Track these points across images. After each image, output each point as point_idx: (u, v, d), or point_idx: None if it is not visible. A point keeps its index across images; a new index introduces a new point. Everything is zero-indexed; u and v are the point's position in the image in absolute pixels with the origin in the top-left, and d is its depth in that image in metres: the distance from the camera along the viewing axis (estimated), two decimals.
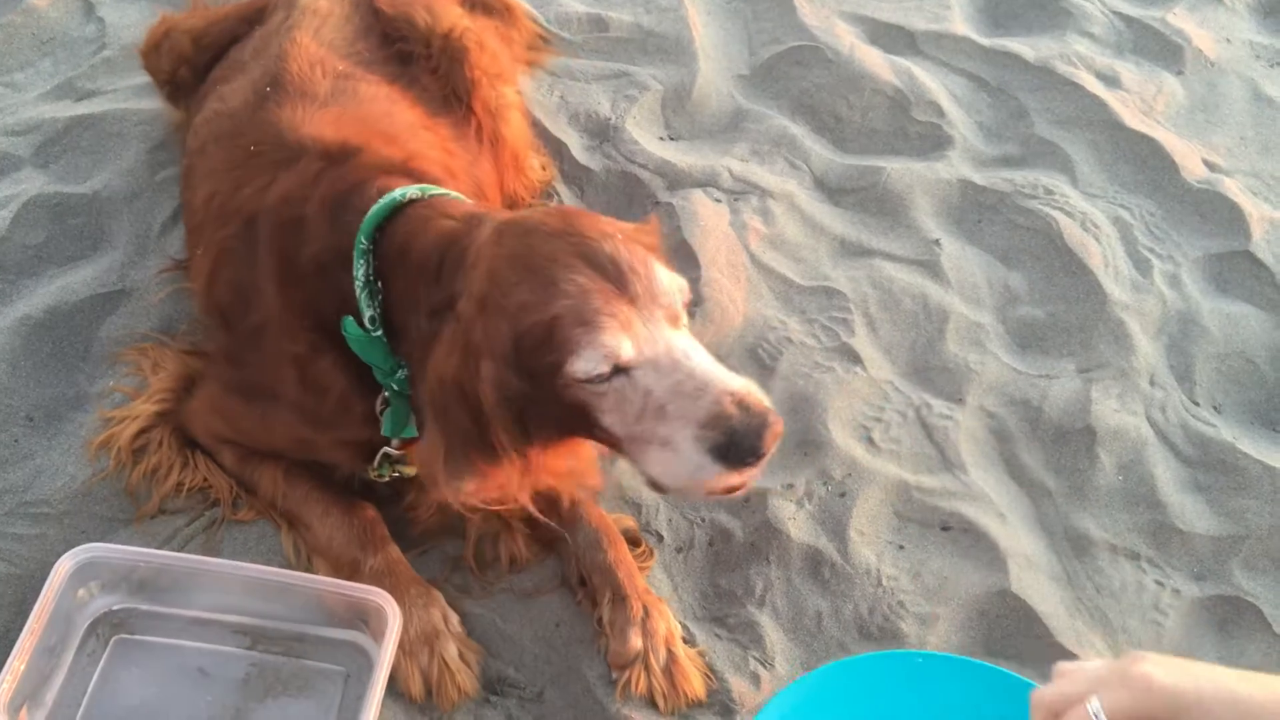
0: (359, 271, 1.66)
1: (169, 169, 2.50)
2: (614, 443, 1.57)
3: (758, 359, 2.32)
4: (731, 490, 1.52)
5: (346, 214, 1.72)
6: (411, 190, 1.71)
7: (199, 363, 2.07)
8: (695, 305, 2.37)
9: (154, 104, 2.62)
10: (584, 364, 1.45)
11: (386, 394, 1.73)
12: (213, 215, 1.95)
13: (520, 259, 1.49)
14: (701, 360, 1.49)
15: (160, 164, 2.52)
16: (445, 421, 1.55)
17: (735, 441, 1.45)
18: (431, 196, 1.72)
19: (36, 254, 2.34)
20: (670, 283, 1.51)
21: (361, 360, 1.71)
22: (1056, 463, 2.21)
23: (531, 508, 1.69)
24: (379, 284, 1.67)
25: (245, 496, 1.97)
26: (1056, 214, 2.64)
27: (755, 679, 1.83)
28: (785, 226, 2.60)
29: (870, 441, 2.20)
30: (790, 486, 2.09)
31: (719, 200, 2.63)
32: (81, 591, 1.75)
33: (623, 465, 2.07)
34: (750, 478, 1.52)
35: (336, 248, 1.71)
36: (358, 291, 1.66)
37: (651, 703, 1.77)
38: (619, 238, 1.51)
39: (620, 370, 1.47)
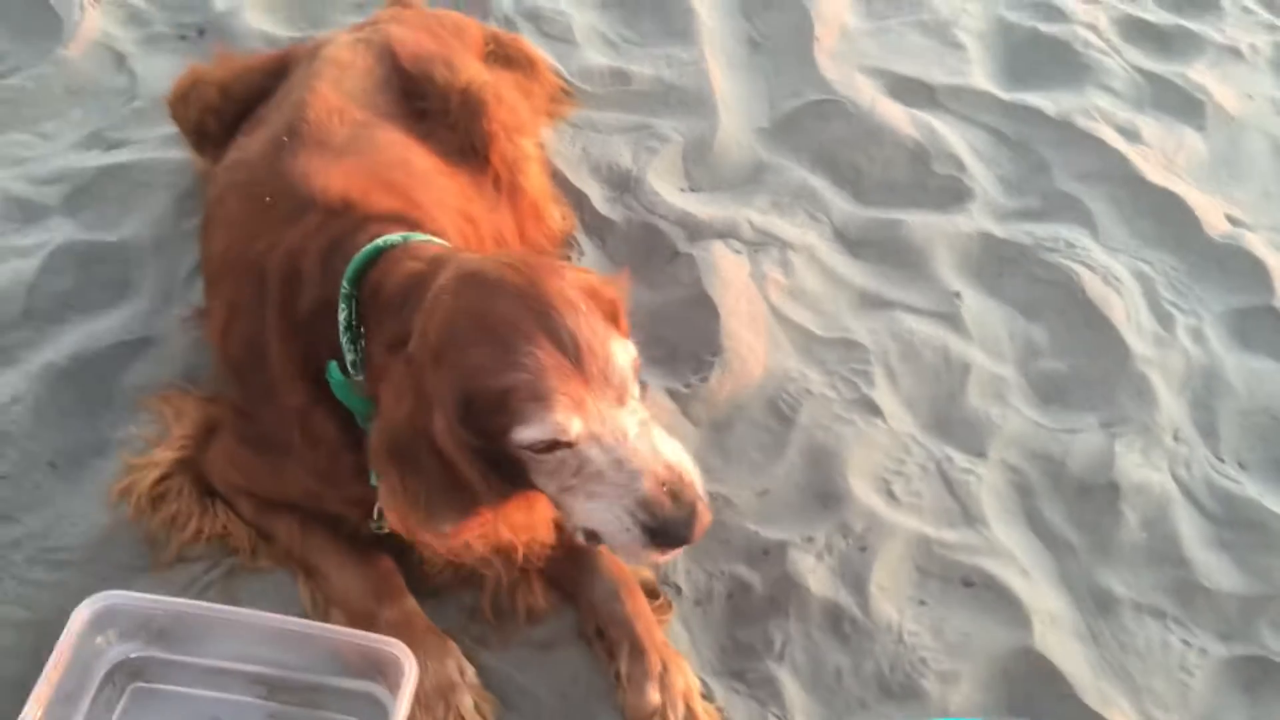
0: (342, 316, 1.69)
1: (195, 218, 2.52)
2: (548, 495, 1.62)
3: (777, 410, 2.31)
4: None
5: (337, 262, 1.75)
6: (393, 237, 1.74)
7: (219, 411, 2.08)
8: (714, 355, 2.37)
9: (182, 154, 2.65)
10: (531, 434, 1.49)
11: None
12: (228, 266, 1.97)
13: (479, 318, 1.51)
14: (641, 444, 1.53)
15: (187, 213, 2.54)
16: (410, 465, 1.57)
17: (664, 530, 1.52)
18: (410, 242, 1.75)
19: (63, 301, 2.36)
20: (624, 360, 1.54)
21: (349, 409, 1.74)
22: (1080, 518, 2.18)
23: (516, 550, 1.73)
24: (361, 329, 1.70)
25: (264, 545, 1.97)
26: (1078, 267, 2.64)
27: None
28: (805, 278, 2.60)
29: (891, 495, 2.18)
30: (810, 539, 2.08)
31: (739, 251, 2.64)
32: (99, 639, 1.75)
33: None
34: (672, 557, 1.59)
35: (326, 296, 1.74)
36: (341, 336, 1.69)
37: None
38: (581, 309, 1.53)
39: (564, 445, 1.51)
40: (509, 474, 1.58)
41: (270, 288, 1.83)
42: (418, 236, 1.77)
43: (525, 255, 1.71)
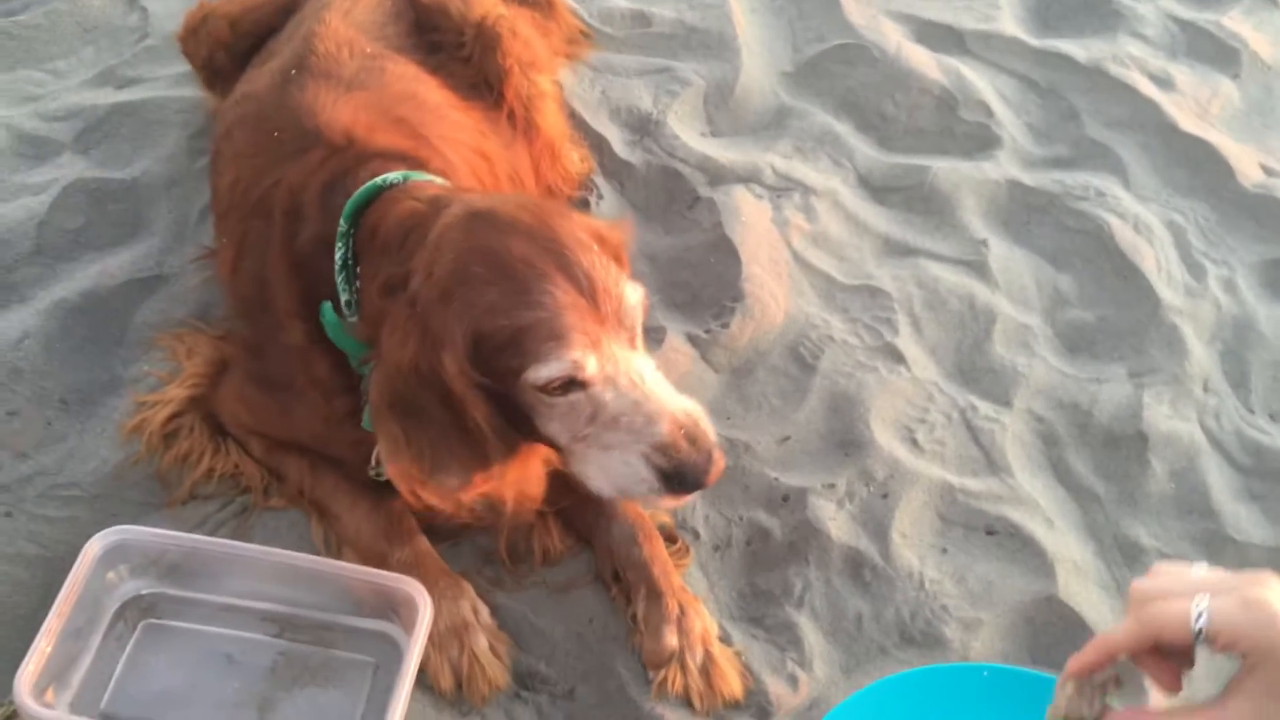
0: (338, 255, 1.65)
1: (207, 157, 2.48)
2: (553, 446, 1.58)
3: (799, 357, 2.27)
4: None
5: (336, 198, 1.70)
6: (393, 176, 1.69)
7: (231, 349, 2.05)
8: (736, 301, 2.33)
9: (194, 92, 2.61)
10: (547, 372, 1.45)
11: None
12: (236, 203, 1.93)
13: (492, 255, 1.47)
14: (656, 385, 1.51)
15: (199, 151, 2.51)
16: (414, 415, 1.51)
17: (681, 473, 1.49)
18: (410, 181, 1.70)
19: (75, 238, 2.33)
20: (635, 300, 1.52)
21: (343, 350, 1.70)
22: (1106, 468, 2.14)
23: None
24: (357, 268, 1.66)
25: (276, 484, 1.94)
26: (1108, 216, 2.58)
27: (793, 681, 1.78)
28: (829, 224, 2.55)
29: (914, 443, 2.14)
30: (831, 486, 2.04)
31: (761, 197, 2.58)
32: (111, 574, 1.73)
33: None
34: (685, 503, 1.57)
35: (324, 233, 1.69)
36: (336, 275, 1.65)
37: (687, 703, 1.73)
38: (594, 249, 1.50)
39: (579, 386, 1.47)
40: (516, 423, 1.55)
41: (275, 225, 1.79)
42: (419, 175, 1.72)
43: (533, 198, 1.66)
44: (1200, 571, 1.13)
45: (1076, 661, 1.19)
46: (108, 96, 2.66)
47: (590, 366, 1.45)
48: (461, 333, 1.45)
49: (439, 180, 1.74)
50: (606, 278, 1.48)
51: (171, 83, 2.69)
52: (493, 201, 1.56)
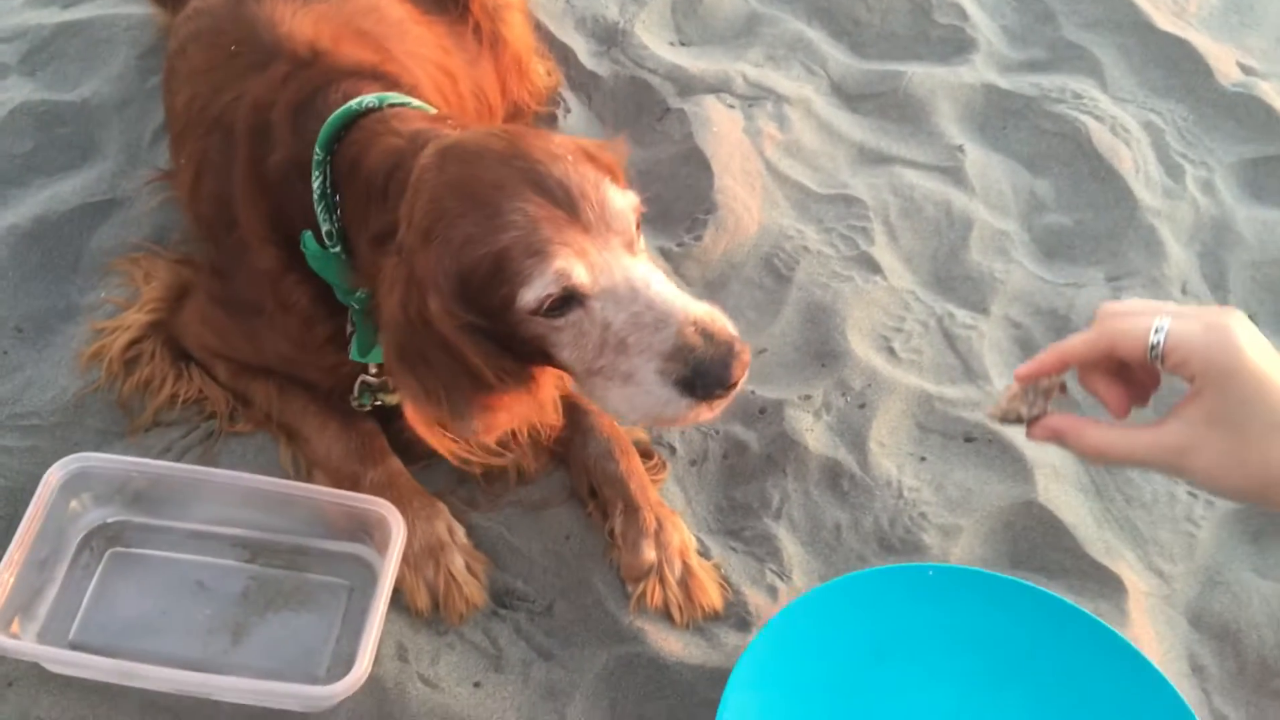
0: (315, 184, 1.57)
1: (159, 76, 2.39)
2: (572, 375, 1.49)
3: (773, 268, 2.23)
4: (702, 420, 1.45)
5: (308, 120, 1.62)
6: (368, 99, 1.60)
7: (191, 272, 1.99)
8: (708, 213, 2.28)
9: (143, 9, 2.51)
10: (535, 292, 1.35)
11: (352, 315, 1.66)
12: (193, 121, 1.85)
13: (464, 187, 1.39)
14: (661, 288, 1.39)
15: (150, 70, 2.41)
16: (423, 364, 1.46)
17: (701, 374, 1.36)
18: (388, 106, 1.61)
19: (24, 163, 2.25)
20: (624, 204, 1.40)
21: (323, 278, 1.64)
22: None
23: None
24: (336, 197, 1.59)
25: (241, 409, 1.90)
26: (1085, 119, 2.53)
27: (773, 591, 1.77)
28: (802, 133, 2.50)
29: (890, 352, 2.11)
30: (808, 398, 2.01)
31: (732, 106, 2.52)
32: (74, 503, 1.69)
33: None
34: (720, 409, 1.43)
35: (297, 157, 1.62)
36: (315, 204, 1.58)
37: (666, 615, 1.71)
38: (569, 159, 1.40)
39: (576, 302, 1.38)
40: (529, 359, 1.48)
41: (237, 143, 1.72)
42: (394, 98, 1.64)
43: (508, 127, 1.56)
44: (1174, 304, 1.12)
45: (1027, 366, 1.20)
46: (53, 16, 2.55)
47: (578, 274, 1.35)
48: (443, 272, 1.38)
49: (415, 103, 1.66)
50: (584, 184, 1.38)
51: None
52: (464, 135, 1.48)
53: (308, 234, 1.61)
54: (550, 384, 1.59)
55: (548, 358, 1.47)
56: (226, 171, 1.75)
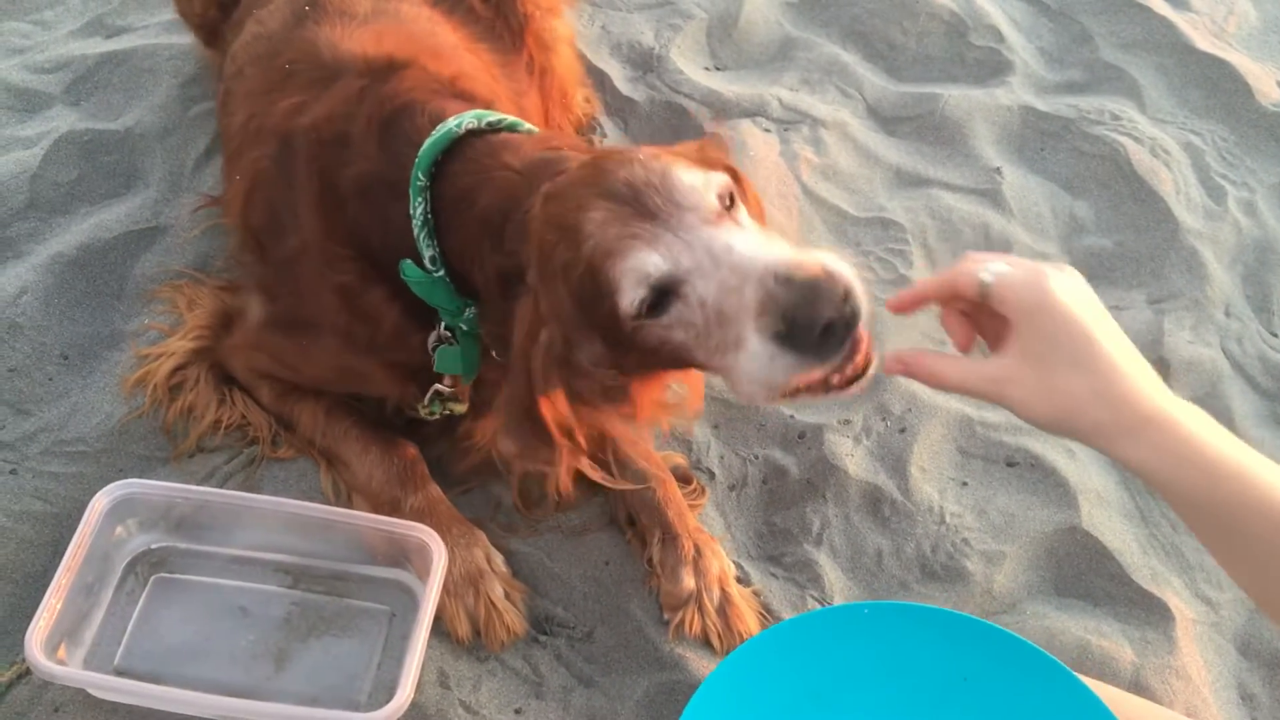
0: (417, 210, 1.55)
1: (201, 104, 2.43)
2: (709, 369, 1.43)
3: None
4: (834, 387, 1.32)
5: (396, 139, 1.62)
6: (467, 119, 1.58)
7: (235, 299, 2.01)
8: None
9: (185, 39, 2.54)
10: (629, 297, 1.32)
11: (445, 331, 1.65)
12: (248, 138, 1.86)
13: (555, 220, 1.39)
14: (743, 246, 1.29)
15: (192, 99, 2.45)
16: (512, 385, 1.49)
17: (790, 321, 1.23)
18: (489, 128, 1.59)
19: (69, 191, 2.28)
20: (694, 180, 1.35)
21: (413, 294, 1.63)
22: None
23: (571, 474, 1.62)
24: (437, 223, 1.58)
25: (284, 434, 1.91)
26: (1124, 140, 2.51)
27: None
28: (838, 156, 2.50)
29: None
30: (847, 422, 2.00)
31: (768, 130, 2.53)
32: (119, 529, 1.70)
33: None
34: (838, 366, 1.28)
35: (385, 175, 1.61)
36: (415, 230, 1.56)
37: (705, 643, 1.70)
38: (637, 159, 1.37)
39: (673, 295, 1.33)
40: (659, 366, 1.47)
41: (301, 153, 1.72)
42: (493, 116, 1.60)
43: (597, 153, 1.52)
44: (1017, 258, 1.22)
45: (895, 299, 1.29)
46: (97, 46, 2.60)
47: (654, 264, 1.30)
48: (561, 300, 1.39)
49: (521, 125, 1.62)
50: (649, 176, 1.34)
51: (161, 30, 2.62)
52: (567, 173, 1.45)
53: (408, 263, 1.60)
54: (657, 390, 1.57)
55: (679, 360, 1.42)
56: (282, 183, 1.76)
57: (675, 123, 2.55)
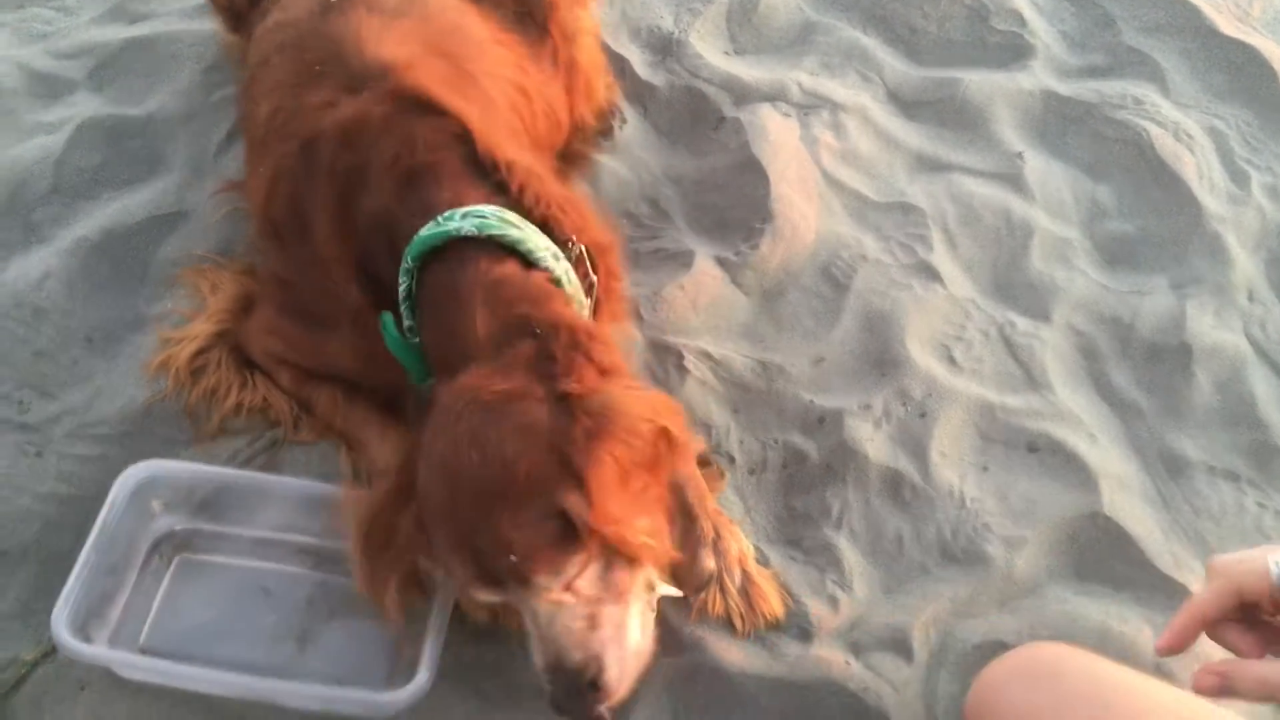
0: (402, 285, 1.61)
1: (224, 90, 2.44)
2: None
3: (831, 277, 2.22)
4: None
5: (412, 198, 1.64)
6: (468, 226, 1.57)
7: (257, 283, 2.02)
8: (765, 222, 2.27)
9: (207, 25, 2.56)
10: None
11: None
12: (275, 132, 1.87)
13: (435, 466, 1.45)
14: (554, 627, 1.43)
15: (215, 85, 2.46)
16: None
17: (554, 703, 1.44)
18: (478, 250, 1.58)
19: (93, 176, 2.30)
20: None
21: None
22: (1149, 382, 2.09)
23: None
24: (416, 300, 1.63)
25: (304, 417, 1.92)
26: (1147, 124, 2.50)
27: (833, 602, 1.76)
28: (859, 141, 2.49)
29: (951, 360, 2.10)
30: (867, 407, 2.00)
31: (788, 115, 2.52)
32: (144, 510, 1.72)
33: (691, 387, 2.01)
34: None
35: (396, 225, 1.64)
36: (400, 298, 1.62)
37: (727, 625, 1.71)
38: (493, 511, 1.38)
39: None
40: None
41: (322, 160, 1.74)
42: (494, 227, 1.58)
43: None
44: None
45: (1165, 640, 1.18)
46: (119, 32, 2.61)
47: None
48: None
49: (522, 245, 1.60)
50: (495, 541, 1.37)
51: (183, 15, 2.64)
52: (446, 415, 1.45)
53: (388, 317, 1.64)
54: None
55: None
56: (304, 180, 1.78)
57: (695, 107, 2.55)
